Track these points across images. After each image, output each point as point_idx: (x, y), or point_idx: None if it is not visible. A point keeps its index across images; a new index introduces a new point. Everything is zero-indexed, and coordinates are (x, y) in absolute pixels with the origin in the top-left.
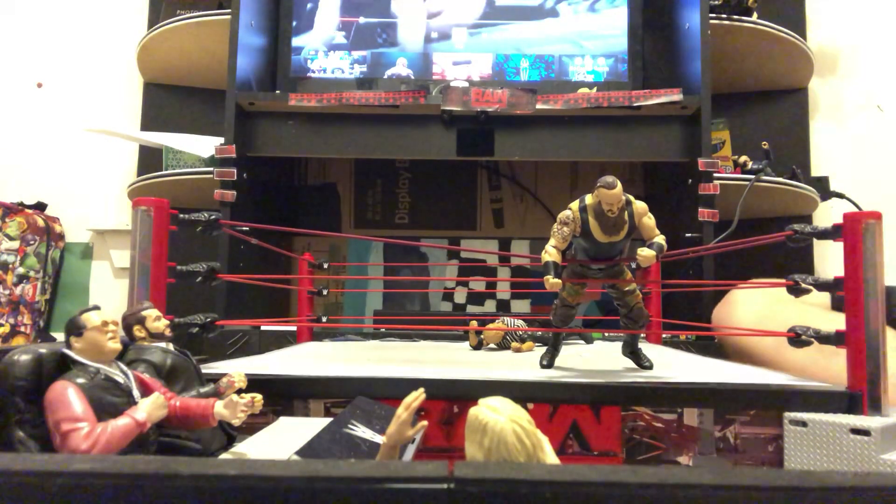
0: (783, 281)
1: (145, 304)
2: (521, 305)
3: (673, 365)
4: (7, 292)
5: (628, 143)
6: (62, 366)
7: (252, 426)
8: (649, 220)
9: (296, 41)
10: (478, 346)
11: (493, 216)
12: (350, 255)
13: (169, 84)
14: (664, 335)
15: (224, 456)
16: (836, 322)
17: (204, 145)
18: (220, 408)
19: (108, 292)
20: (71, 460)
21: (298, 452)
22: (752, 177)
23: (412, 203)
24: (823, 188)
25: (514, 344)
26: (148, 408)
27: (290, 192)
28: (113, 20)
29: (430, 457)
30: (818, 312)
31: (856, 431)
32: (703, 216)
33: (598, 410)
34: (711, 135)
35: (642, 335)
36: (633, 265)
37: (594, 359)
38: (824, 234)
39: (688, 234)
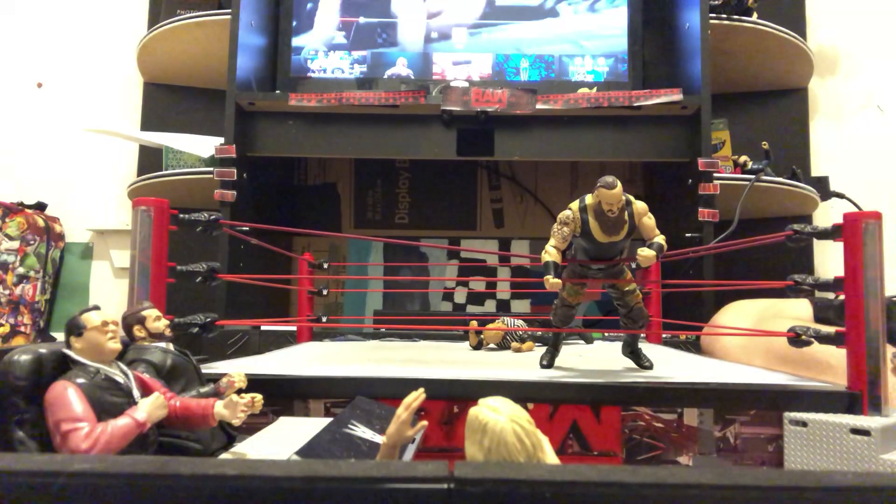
0: (783, 282)
1: (145, 304)
2: (521, 305)
3: (673, 365)
4: (7, 292)
5: (628, 143)
6: (62, 366)
7: (252, 426)
8: (649, 220)
9: (296, 41)
10: (478, 346)
11: (493, 216)
12: (350, 255)
13: (169, 84)
14: (664, 335)
15: (224, 456)
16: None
17: (204, 145)
18: (220, 408)
19: (108, 292)
20: (71, 460)
21: (298, 452)
22: (752, 177)
23: (412, 203)
24: (823, 188)
25: (514, 344)
26: (148, 408)
27: (290, 192)
28: (113, 20)
29: (430, 457)
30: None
31: (856, 431)
32: (703, 216)
33: (598, 410)
34: (711, 135)
35: (642, 335)
36: (633, 265)
37: (594, 359)
38: (824, 234)
39: (688, 234)
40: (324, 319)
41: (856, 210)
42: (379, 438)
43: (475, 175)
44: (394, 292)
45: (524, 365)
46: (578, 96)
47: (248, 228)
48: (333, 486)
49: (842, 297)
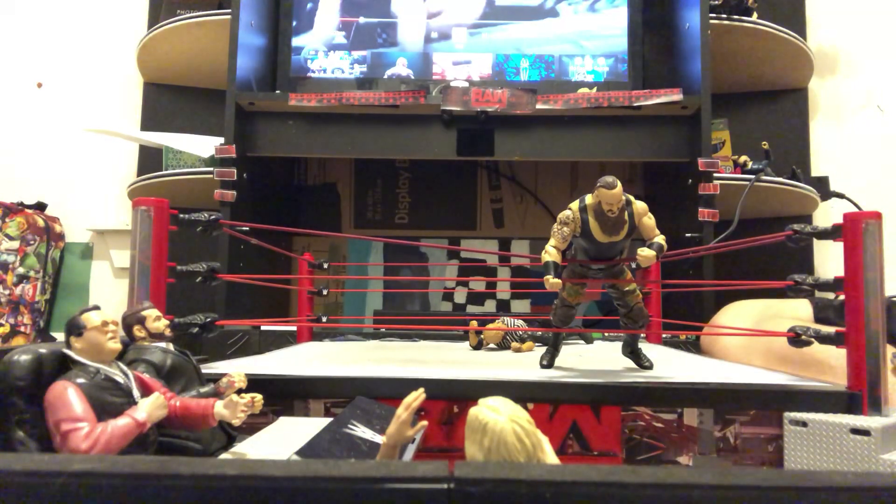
0: (783, 281)
1: (145, 304)
2: (521, 305)
3: (673, 365)
4: (7, 292)
5: (628, 143)
6: (62, 366)
7: (252, 426)
8: (649, 220)
9: (296, 41)
10: (478, 346)
11: (493, 216)
12: (350, 255)
13: (169, 84)
14: (664, 335)
15: (224, 456)
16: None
17: (204, 145)
18: (220, 408)
19: (108, 292)
20: (71, 460)
21: (298, 452)
22: (752, 177)
23: (412, 203)
24: (823, 188)
25: (514, 344)
26: (148, 408)
27: (290, 192)
28: (113, 20)
29: (430, 457)
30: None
31: (856, 431)
32: (703, 216)
33: (598, 410)
34: (711, 135)
35: (642, 335)
36: (633, 265)
37: (594, 359)
38: (824, 234)
39: (688, 234)
40: (324, 319)
41: (856, 210)
42: (379, 438)
43: (475, 175)
44: (394, 292)
45: (524, 365)
46: (578, 96)
47: (248, 228)
48: (333, 486)
49: (842, 297)
